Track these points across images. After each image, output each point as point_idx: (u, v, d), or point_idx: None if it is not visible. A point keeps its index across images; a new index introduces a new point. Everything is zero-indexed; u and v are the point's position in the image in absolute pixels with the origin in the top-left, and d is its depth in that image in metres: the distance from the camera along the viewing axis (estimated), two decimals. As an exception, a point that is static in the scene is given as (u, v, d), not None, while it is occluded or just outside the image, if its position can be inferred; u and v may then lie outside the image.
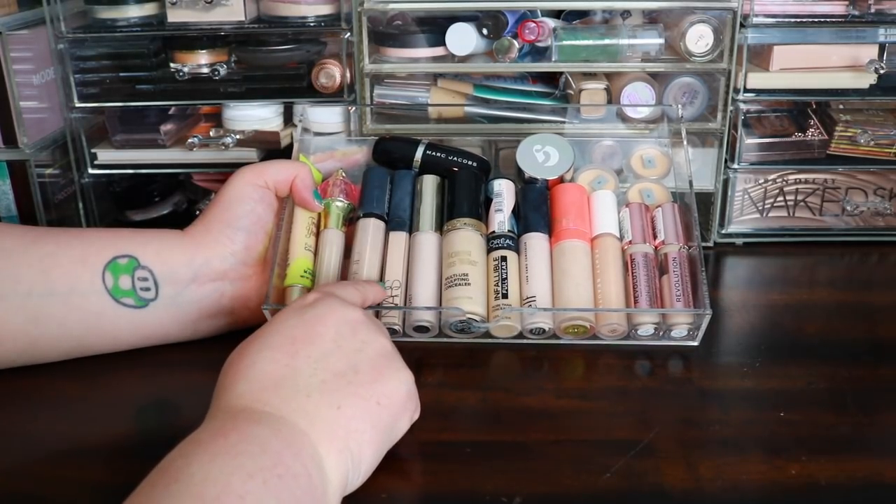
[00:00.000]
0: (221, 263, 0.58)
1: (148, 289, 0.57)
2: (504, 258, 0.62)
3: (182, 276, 0.57)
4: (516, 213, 0.66)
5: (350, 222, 0.65)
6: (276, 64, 0.76)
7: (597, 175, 0.69)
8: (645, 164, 0.70)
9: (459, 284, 0.60)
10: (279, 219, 0.61)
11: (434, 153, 0.69)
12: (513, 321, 0.60)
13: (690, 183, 0.65)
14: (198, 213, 0.78)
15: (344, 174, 0.67)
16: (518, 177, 0.69)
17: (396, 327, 0.61)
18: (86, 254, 0.56)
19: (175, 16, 0.73)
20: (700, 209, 0.64)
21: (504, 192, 0.67)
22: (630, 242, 0.64)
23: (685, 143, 0.68)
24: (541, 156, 0.68)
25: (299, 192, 0.61)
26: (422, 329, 0.61)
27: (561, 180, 0.68)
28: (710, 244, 0.78)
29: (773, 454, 0.49)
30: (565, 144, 0.69)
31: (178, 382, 0.57)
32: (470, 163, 0.69)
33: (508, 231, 0.64)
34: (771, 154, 0.77)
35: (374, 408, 0.44)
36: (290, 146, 0.78)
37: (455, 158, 0.69)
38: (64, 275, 0.55)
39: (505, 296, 0.60)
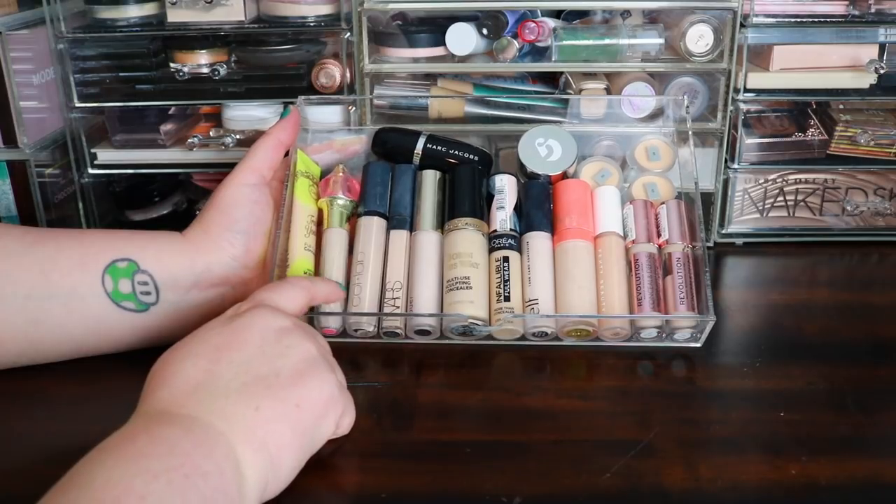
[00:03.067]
0: (223, 269, 0.58)
1: (148, 293, 0.57)
2: (506, 259, 0.62)
3: (183, 281, 0.57)
4: (518, 209, 0.66)
5: (351, 216, 0.65)
6: (276, 64, 0.76)
7: (600, 168, 0.68)
8: (649, 156, 0.69)
9: (461, 288, 0.60)
10: (278, 216, 0.61)
11: (434, 146, 0.68)
12: (515, 325, 0.60)
13: (696, 183, 0.64)
14: (197, 212, 0.78)
15: (344, 170, 0.66)
16: (520, 171, 0.69)
17: (398, 330, 0.61)
18: (85, 256, 0.56)
19: (175, 16, 0.73)
20: (700, 209, 0.64)
21: (506, 188, 0.66)
22: (634, 241, 0.63)
23: (691, 137, 0.67)
24: (543, 150, 0.67)
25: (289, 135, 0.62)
26: (423, 332, 0.61)
27: (564, 175, 0.68)
28: (711, 244, 0.78)
29: (773, 454, 0.49)
30: (568, 137, 0.68)
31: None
32: (471, 156, 0.69)
33: (511, 230, 0.64)
34: (771, 154, 0.77)
35: (292, 410, 0.44)
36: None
37: (456, 151, 0.68)
38: (63, 277, 0.55)
39: (507, 298, 0.60)
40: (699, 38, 0.71)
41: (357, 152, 0.72)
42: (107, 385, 0.56)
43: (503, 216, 0.64)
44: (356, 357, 0.60)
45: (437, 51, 0.74)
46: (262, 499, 0.43)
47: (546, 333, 0.60)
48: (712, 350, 0.60)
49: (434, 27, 0.74)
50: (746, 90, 0.73)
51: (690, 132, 0.68)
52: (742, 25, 0.71)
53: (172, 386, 0.43)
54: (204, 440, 0.40)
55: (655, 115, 0.74)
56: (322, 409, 0.46)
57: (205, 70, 0.76)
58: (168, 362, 0.45)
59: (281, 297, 0.51)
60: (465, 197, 0.65)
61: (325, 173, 0.67)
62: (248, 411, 0.43)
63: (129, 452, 0.38)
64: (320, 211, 0.64)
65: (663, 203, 0.65)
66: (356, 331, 0.61)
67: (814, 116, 0.78)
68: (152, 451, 0.39)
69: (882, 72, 0.72)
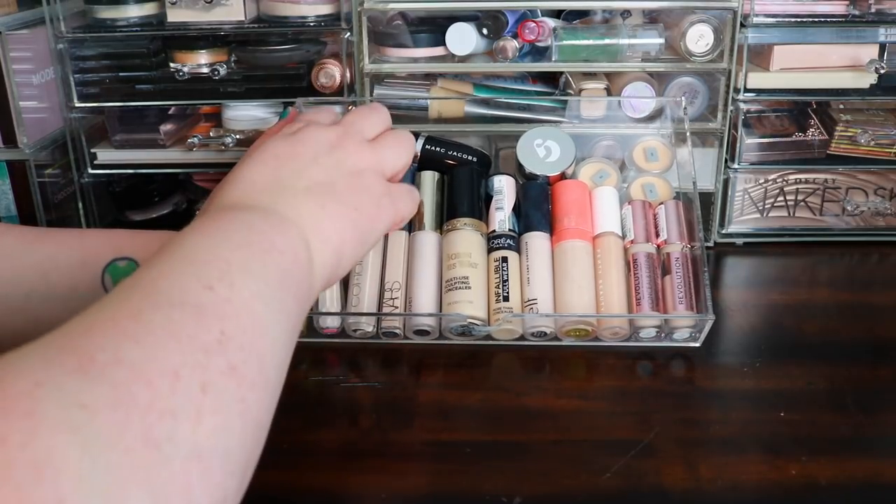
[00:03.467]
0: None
1: (149, 292, 0.57)
2: (505, 259, 0.62)
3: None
4: (517, 210, 0.66)
5: None
6: (275, 64, 0.76)
7: (598, 169, 0.68)
8: (647, 157, 0.69)
9: (460, 288, 0.60)
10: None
11: (433, 147, 0.68)
12: (514, 325, 0.60)
13: (694, 184, 0.65)
14: (197, 212, 0.78)
15: None
16: (518, 171, 0.69)
17: (397, 331, 0.61)
18: (84, 256, 0.56)
19: (175, 16, 0.73)
20: (700, 209, 0.64)
21: (504, 188, 0.66)
22: (632, 242, 0.63)
23: (689, 138, 0.67)
24: (542, 151, 0.68)
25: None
26: (422, 332, 0.61)
27: (562, 176, 0.68)
28: (711, 244, 0.78)
29: (773, 454, 0.49)
30: (567, 138, 0.68)
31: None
32: (470, 157, 0.68)
33: (509, 230, 0.64)
34: (771, 154, 0.77)
35: (352, 212, 0.48)
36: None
37: (454, 153, 0.68)
38: (63, 277, 0.55)
39: (506, 298, 0.60)
40: (699, 38, 0.71)
41: None
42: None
43: (502, 216, 0.64)
44: (355, 357, 0.60)
45: (437, 51, 0.74)
46: (327, 285, 0.46)
47: (545, 333, 0.60)
48: (712, 350, 0.60)
49: (434, 27, 0.74)
50: (746, 90, 0.73)
51: (688, 133, 0.68)
52: (742, 25, 0.71)
53: (241, 186, 0.46)
54: (278, 223, 0.43)
55: (655, 115, 0.74)
56: (375, 212, 0.50)
57: (205, 70, 0.76)
58: (234, 171, 0.48)
59: (322, 117, 0.55)
60: (463, 197, 0.65)
61: None
62: (314, 207, 0.46)
63: (212, 229, 0.41)
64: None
65: (661, 203, 0.65)
66: (355, 331, 0.61)
67: (814, 116, 0.78)
68: (233, 227, 0.41)
69: (882, 72, 0.72)
